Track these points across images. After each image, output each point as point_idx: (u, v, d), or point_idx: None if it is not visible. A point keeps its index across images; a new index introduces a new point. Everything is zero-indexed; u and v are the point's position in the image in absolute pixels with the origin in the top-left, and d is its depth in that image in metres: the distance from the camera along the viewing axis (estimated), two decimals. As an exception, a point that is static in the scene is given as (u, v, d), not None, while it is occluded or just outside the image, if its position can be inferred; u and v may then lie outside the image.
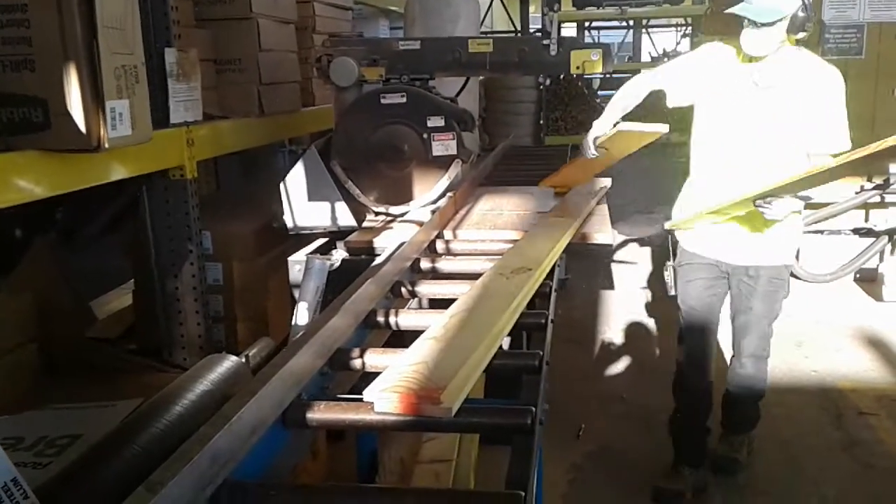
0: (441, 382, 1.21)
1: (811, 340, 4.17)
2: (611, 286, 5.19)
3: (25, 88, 1.76)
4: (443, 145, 2.92)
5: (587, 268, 5.41)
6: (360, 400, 1.24)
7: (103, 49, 1.83)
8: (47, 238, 2.85)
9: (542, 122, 12.29)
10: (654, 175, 9.52)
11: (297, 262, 2.53)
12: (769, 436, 3.13)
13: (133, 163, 2.28)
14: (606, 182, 3.38)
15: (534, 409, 1.21)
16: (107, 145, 1.86)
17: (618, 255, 5.80)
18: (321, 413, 1.23)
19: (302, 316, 2.13)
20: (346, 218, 2.87)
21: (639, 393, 3.53)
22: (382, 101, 2.91)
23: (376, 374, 1.35)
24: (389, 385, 1.22)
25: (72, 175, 2.00)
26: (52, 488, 1.28)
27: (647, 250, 6.18)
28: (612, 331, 4.38)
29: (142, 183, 2.64)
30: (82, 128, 1.80)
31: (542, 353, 1.47)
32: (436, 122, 2.91)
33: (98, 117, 1.83)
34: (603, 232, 2.66)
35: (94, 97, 1.82)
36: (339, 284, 2.08)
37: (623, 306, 4.76)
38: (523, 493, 0.99)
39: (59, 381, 2.66)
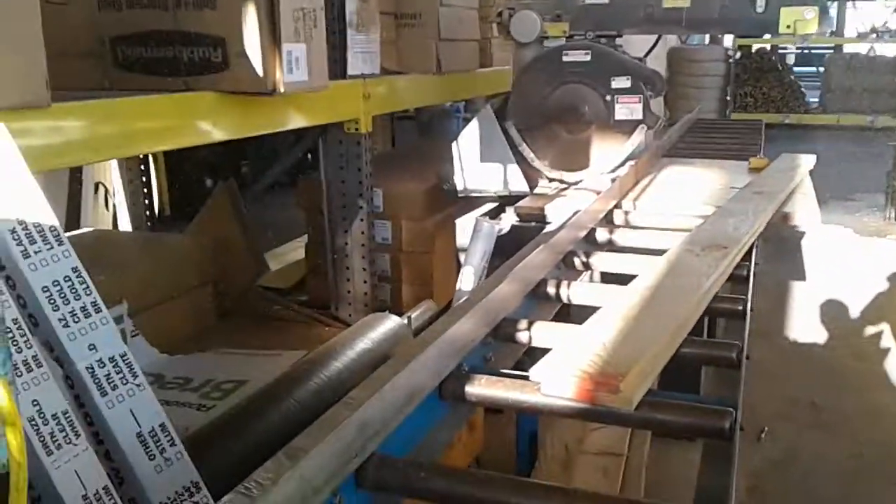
0: (622, 369, 1.04)
1: None
2: (802, 276, 4.69)
3: (206, 27, 1.75)
4: (627, 109, 2.69)
5: (773, 253, 4.93)
6: (526, 378, 1.09)
7: (283, -10, 1.78)
8: (229, 185, 2.92)
9: (728, 97, 11.55)
10: (856, 159, 8.63)
11: (465, 224, 2.43)
12: None
13: (309, 112, 2.25)
14: (811, 159, 3.00)
15: (734, 411, 1.01)
16: (282, 89, 1.82)
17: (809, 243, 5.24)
18: (482, 388, 1.10)
19: (467, 280, 2.01)
20: (518, 183, 2.73)
21: (831, 398, 3.14)
22: (564, 58, 2.71)
23: (543, 350, 1.19)
24: (561, 364, 1.06)
25: (249, 120, 1.99)
26: (206, 436, 1.25)
27: (843, 238, 5.57)
28: (802, 327, 3.95)
29: (319, 134, 2.63)
30: (259, 70, 1.77)
31: (741, 344, 1.25)
32: (621, 83, 2.68)
33: (275, 60, 1.79)
34: (808, 212, 2.34)
35: (272, 39, 1.78)
36: (506, 251, 1.95)
37: (815, 299, 4.28)
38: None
39: (230, 325, 2.75)
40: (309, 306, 2.89)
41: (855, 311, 4.12)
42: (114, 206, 3.31)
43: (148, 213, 3.26)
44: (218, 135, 1.87)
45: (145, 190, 3.24)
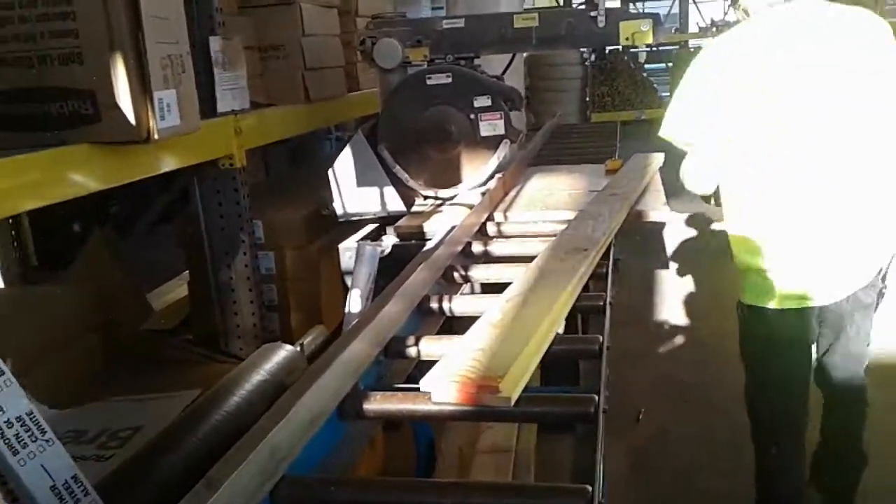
0: (499, 371, 1.17)
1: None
2: (664, 265, 5.07)
3: (74, 81, 1.77)
4: (490, 125, 2.86)
5: (639, 246, 5.29)
6: (418, 389, 1.20)
7: (149, 39, 1.82)
8: (105, 230, 2.88)
9: (587, 98, 12.13)
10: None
11: (347, 248, 2.51)
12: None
13: (183, 153, 2.28)
14: (660, 157, 3.28)
15: (596, 396, 1.16)
16: (156, 136, 1.85)
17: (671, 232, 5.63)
18: (378, 404, 1.20)
19: (355, 303, 2.11)
20: (395, 203, 2.85)
21: (698, 375, 3.44)
22: (428, 82, 2.86)
23: (432, 361, 1.31)
24: (446, 374, 1.18)
25: (124, 168, 2.00)
26: (113, 483, 1.29)
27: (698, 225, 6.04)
28: (668, 312, 4.28)
29: (192, 173, 2.65)
30: (132, 119, 1.80)
31: (601, 337, 1.42)
32: (483, 101, 2.85)
33: (147, 108, 1.83)
34: (658, 209, 2.58)
35: (142, 88, 1.81)
36: (390, 270, 2.06)
37: (678, 285, 4.64)
38: (590, 487, 0.95)
39: (118, 373, 2.70)
40: (195, 344, 2.88)
41: (711, 291, 4.50)
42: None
43: (21, 268, 3.15)
44: (95, 185, 1.88)
45: (15, 244, 3.13)
